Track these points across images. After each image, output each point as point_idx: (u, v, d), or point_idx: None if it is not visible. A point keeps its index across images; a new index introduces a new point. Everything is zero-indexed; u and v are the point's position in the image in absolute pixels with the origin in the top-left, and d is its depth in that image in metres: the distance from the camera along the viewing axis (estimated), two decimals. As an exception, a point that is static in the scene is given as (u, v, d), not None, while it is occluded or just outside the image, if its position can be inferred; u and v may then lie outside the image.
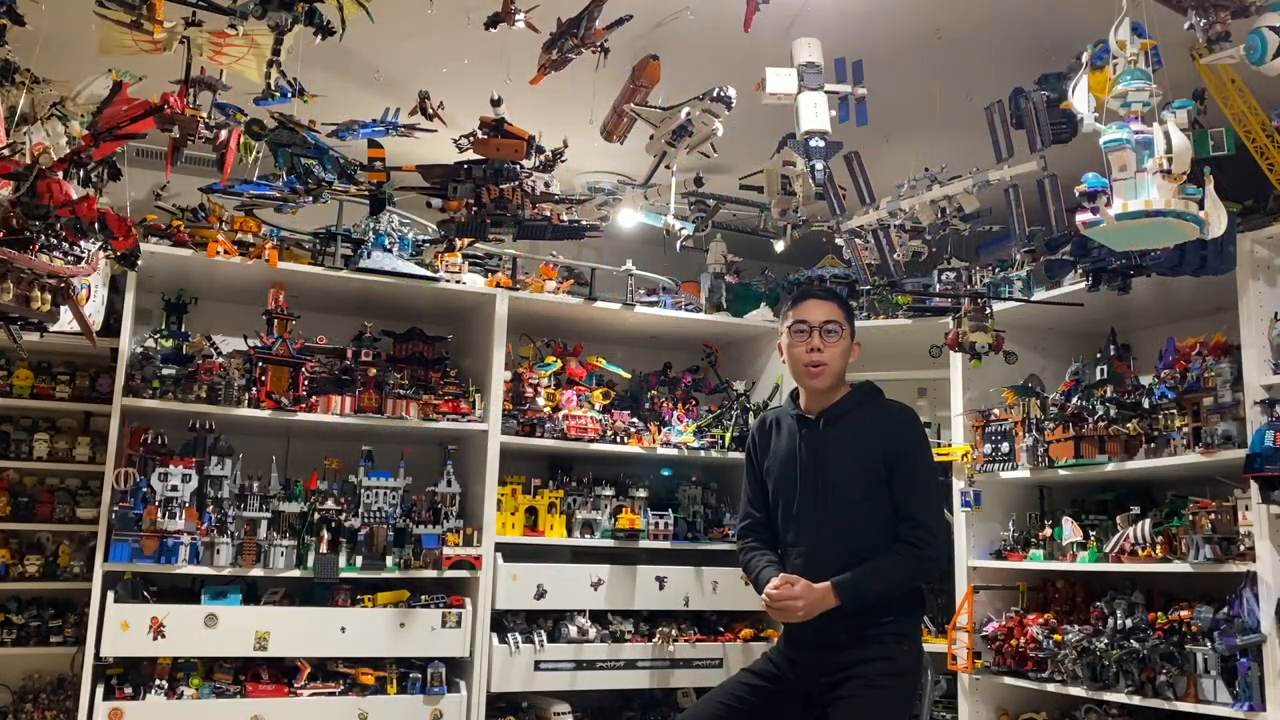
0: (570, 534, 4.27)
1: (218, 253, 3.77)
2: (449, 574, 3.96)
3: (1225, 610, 3.24)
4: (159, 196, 4.00)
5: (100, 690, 3.46)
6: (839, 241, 3.65)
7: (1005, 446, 4.05)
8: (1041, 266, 3.89)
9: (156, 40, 2.55)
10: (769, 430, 2.94)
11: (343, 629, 3.76)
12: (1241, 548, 3.21)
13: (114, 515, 3.55)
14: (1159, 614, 3.47)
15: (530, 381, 4.31)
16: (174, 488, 3.64)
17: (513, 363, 4.32)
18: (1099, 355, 4.01)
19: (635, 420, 4.47)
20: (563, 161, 3.16)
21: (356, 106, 3.36)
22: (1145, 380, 3.79)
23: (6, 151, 2.43)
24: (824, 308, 2.83)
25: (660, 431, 4.47)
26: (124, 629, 3.48)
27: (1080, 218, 2.32)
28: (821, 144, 2.92)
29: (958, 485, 4.20)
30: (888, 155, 3.63)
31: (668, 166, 3.31)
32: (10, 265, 2.30)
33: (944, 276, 3.74)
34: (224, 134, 2.84)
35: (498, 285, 4.24)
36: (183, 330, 3.97)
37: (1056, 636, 3.74)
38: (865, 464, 2.72)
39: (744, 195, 3.86)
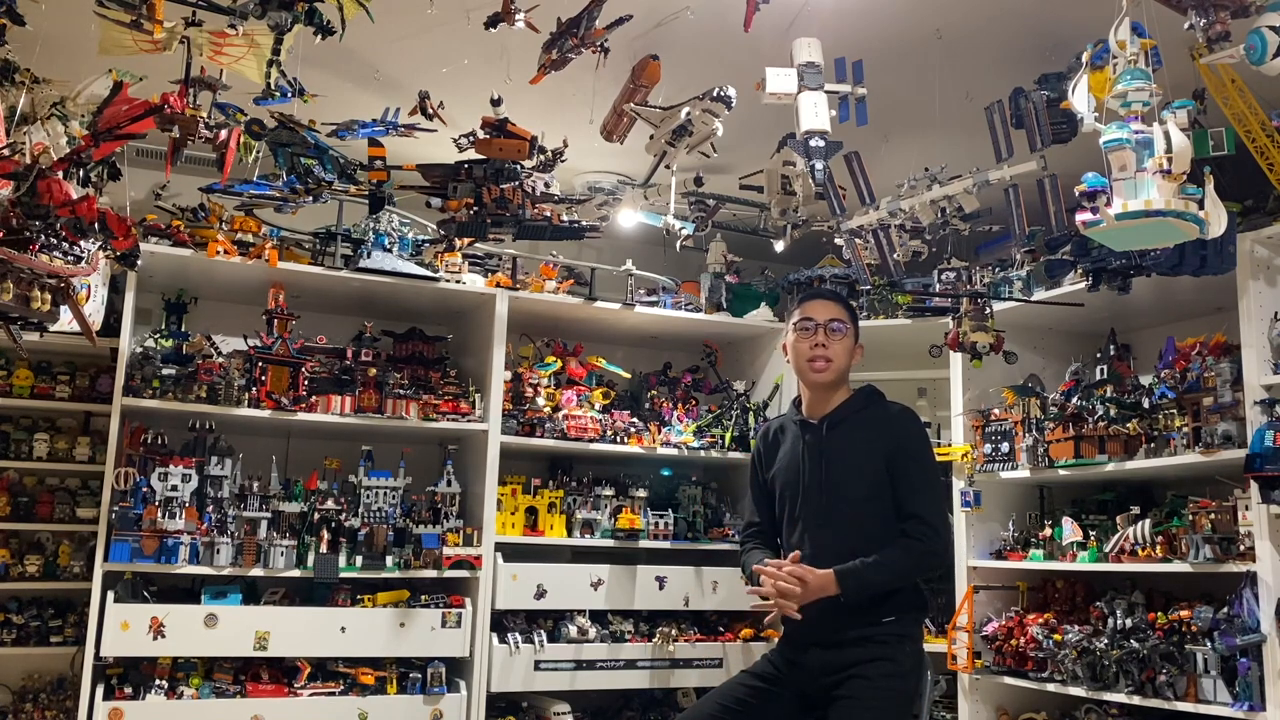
0: (570, 534, 4.27)
1: (218, 253, 3.77)
2: (449, 574, 3.96)
3: (1225, 610, 3.24)
4: (159, 196, 4.00)
5: (100, 690, 3.46)
6: (839, 241, 3.65)
7: (1005, 446, 4.05)
8: (1041, 266, 3.89)
9: (156, 40, 2.55)
10: (774, 439, 2.95)
11: (343, 629, 3.76)
12: (1241, 548, 3.21)
13: (114, 515, 3.55)
14: (1159, 614, 3.47)
15: (530, 381, 4.31)
16: (174, 488, 3.64)
17: (513, 363, 4.32)
18: (1099, 355, 4.01)
19: (635, 420, 4.47)
20: (563, 161, 3.16)
21: (356, 106, 3.37)
22: (1145, 380, 3.79)
23: (6, 151, 2.43)
24: (829, 307, 2.86)
25: (660, 431, 4.47)
26: (124, 629, 3.48)
27: (1080, 218, 2.32)
28: (821, 144, 2.92)
29: (958, 485, 4.20)
30: (888, 155, 3.63)
31: (668, 166, 3.31)
32: (10, 265, 2.30)
33: (944, 276, 3.74)
34: (224, 134, 2.84)
35: (498, 285, 4.24)
36: (183, 330, 3.98)
37: (1056, 636, 3.74)
38: (868, 466, 2.73)
39: (744, 195, 3.86)
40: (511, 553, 4.09)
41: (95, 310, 3.50)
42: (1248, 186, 3.18)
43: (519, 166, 3.07)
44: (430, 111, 3.01)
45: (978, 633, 4.07)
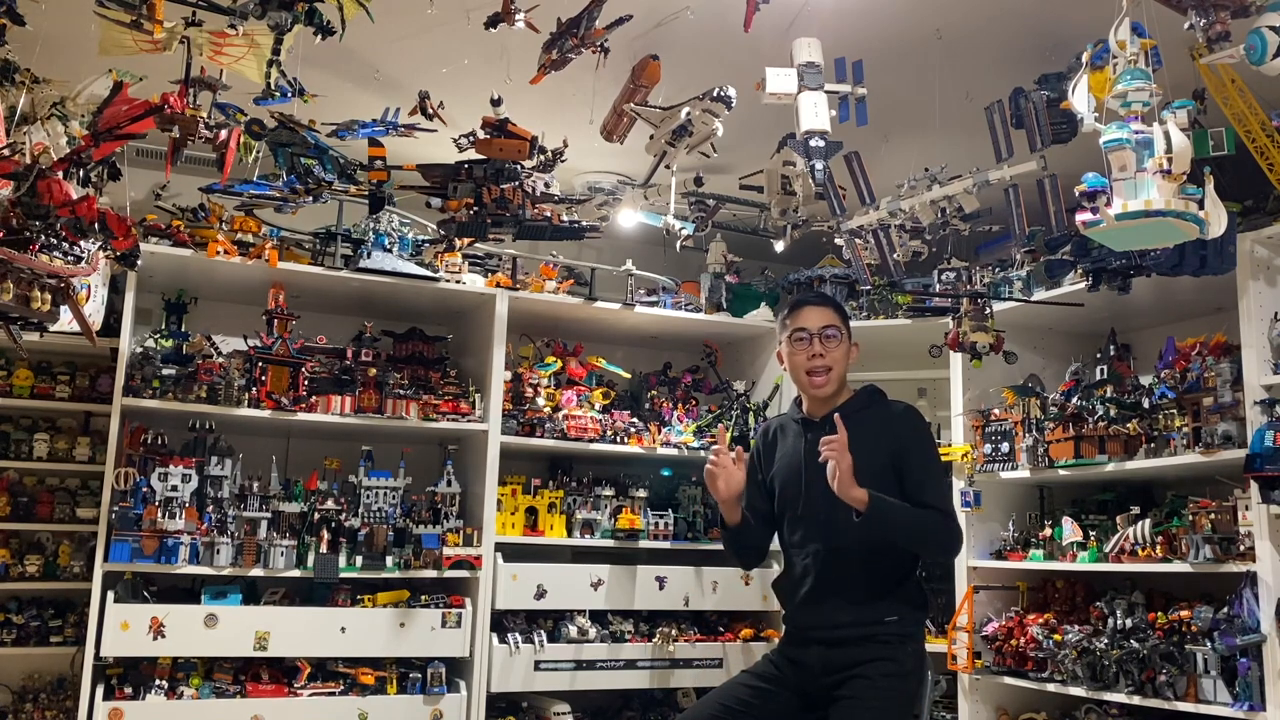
0: (570, 534, 4.27)
1: (218, 253, 3.78)
2: (449, 574, 3.96)
3: (1225, 610, 3.24)
4: (159, 196, 4.00)
5: (100, 690, 3.46)
6: (839, 241, 3.65)
7: (1005, 446, 4.05)
8: (1041, 266, 3.89)
9: (156, 40, 2.55)
10: (773, 438, 2.95)
11: (343, 629, 3.76)
12: (1241, 548, 3.21)
13: (114, 515, 3.55)
14: (1159, 614, 3.47)
15: (530, 381, 4.31)
16: (174, 488, 3.64)
17: (513, 363, 4.32)
18: (1099, 355, 4.01)
19: (635, 420, 4.47)
20: (563, 161, 3.16)
21: (356, 106, 3.37)
22: (1145, 380, 3.79)
23: (6, 151, 2.43)
24: (821, 313, 2.83)
25: (660, 431, 4.47)
26: (124, 629, 3.48)
27: (1080, 218, 2.32)
28: (821, 144, 2.92)
29: (958, 485, 4.19)
30: (888, 155, 3.63)
31: (668, 166, 3.31)
32: (10, 265, 2.31)
33: (944, 276, 3.74)
34: (224, 134, 2.84)
35: (498, 285, 4.24)
36: (183, 330, 3.97)
37: (1056, 636, 3.74)
38: (871, 464, 2.71)
39: (744, 195, 3.86)
40: (511, 553, 4.09)
41: (95, 310, 3.50)
42: (1248, 186, 3.18)
43: (519, 166, 3.07)
44: (430, 111, 3.01)
45: (978, 633, 4.07)
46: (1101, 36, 2.36)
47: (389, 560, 3.91)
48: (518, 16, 2.65)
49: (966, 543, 4.13)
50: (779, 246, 3.74)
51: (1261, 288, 3.26)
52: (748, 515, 2.86)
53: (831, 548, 2.71)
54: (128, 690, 3.52)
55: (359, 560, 3.88)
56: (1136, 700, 3.42)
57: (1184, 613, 3.35)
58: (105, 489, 3.60)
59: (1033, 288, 3.95)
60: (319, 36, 2.50)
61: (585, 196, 4.08)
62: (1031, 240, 3.79)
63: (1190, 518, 3.39)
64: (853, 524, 2.69)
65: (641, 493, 4.41)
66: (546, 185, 3.16)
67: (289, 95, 2.83)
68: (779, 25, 2.98)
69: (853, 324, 2.92)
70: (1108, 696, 3.52)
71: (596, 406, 4.43)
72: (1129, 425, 3.62)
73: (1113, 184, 2.25)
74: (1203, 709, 3.21)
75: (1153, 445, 3.57)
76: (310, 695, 3.69)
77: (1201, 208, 2.25)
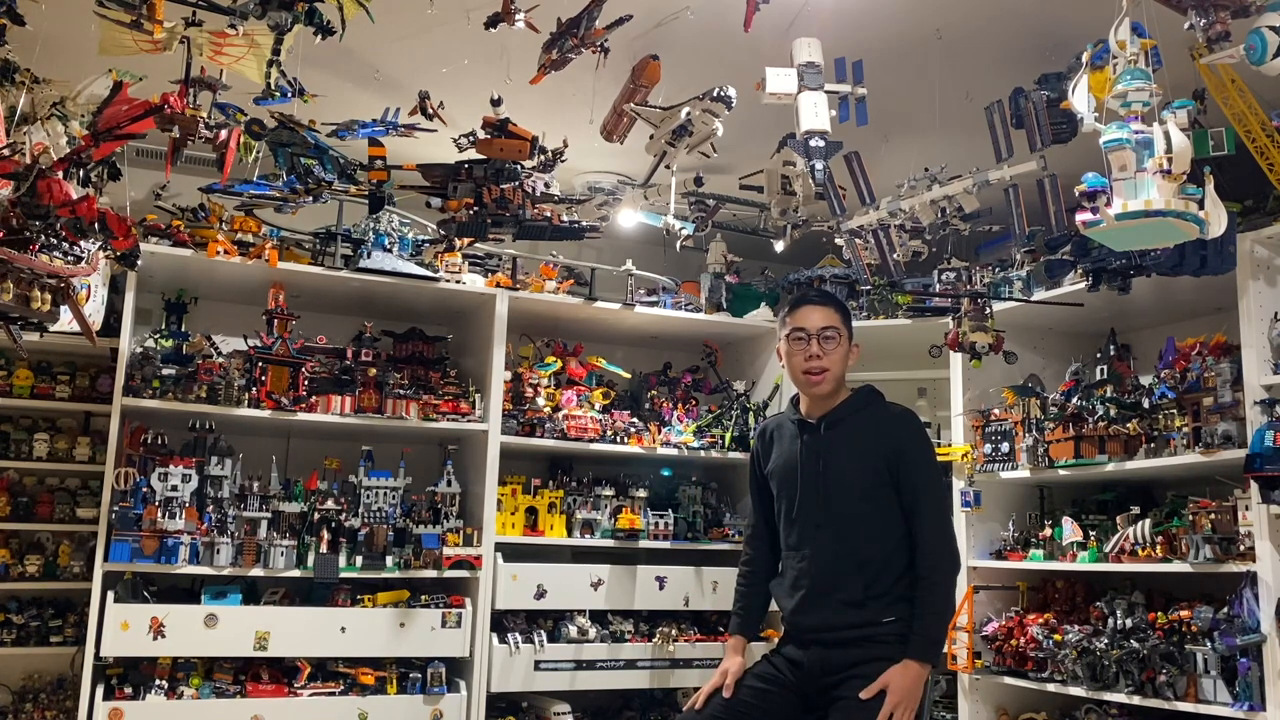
0: (570, 534, 4.27)
1: (218, 253, 3.78)
2: (449, 574, 3.96)
3: (1225, 610, 3.24)
4: (159, 196, 4.00)
5: (100, 690, 3.46)
6: (839, 241, 3.65)
7: (1005, 446, 4.05)
8: (1041, 266, 3.90)
9: (156, 40, 2.55)
10: (770, 438, 2.95)
11: (343, 629, 3.76)
12: (1241, 548, 3.21)
13: (114, 515, 3.55)
14: (1159, 614, 3.47)
15: (530, 381, 4.31)
16: (174, 488, 3.64)
17: (513, 363, 4.32)
18: (1099, 355, 4.02)
19: (635, 420, 4.47)
20: (563, 161, 3.16)
21: (356, 106, 3.37)
22: (1145, 380, 3.79)
23: (6, 151, 2.43)
24: (821, 313, 2.81)
25: (660, 431, 4.47)
26: (124, 629, 3.48)
27: (1080, 218, 2.32)
28: (821, 144, 2.92)
29: (958, 485, 4.20)
30: (888, 155, 3.63)
31: (668, 166, 3.31)
32: (10, 265, 2.31)
33: (944, 276, 3.74)
34: (224, 134, 2.84)
35: (498, 285, 4.24)
36: (183, 330, 3.98)
37: (1056, 636, 3.74)
38: (866, 466, 2.72)
39: (744, 195, 3.86)
40: (511, 553, 4.09)
41: (95, 310, 3.50)
42: (1248, 186, 3.18)
43: (519, 166, 3.07)
44: (430, 111, 3.01)
45: (978, 633, 4.07)
46: (1101, 36, 2.36)
47: (389, 560, 3.91)
48: (518, 16, 2.65)
49: (966, 543, 4.14)
50: (779, 246, 3.74)
51: (1261, 288, 3.26)
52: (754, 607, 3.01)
53: (826, 549, 2.71)
54: (128, 690, 3.52)
55: (359, 560, 3.87)
56: (1136, 700, 3.42)
57: (1184, 613, 3.35)
58: (105, 489, 3.60)
59: (1033, 288, 3.95)
60: (319, 36, 2.50)
61: (585, 196, 4.09)
62: (1031, 240, 3.80)
63: (1190, 518, 3.39)
64: (844, 528, 2.70)
65: (641, 493, 4.41)
66: (546, 185, 3.16)
67: (289, 95, 2.83)
68: (779, 25, 2.98)
69: (853, 324, 2.91)
70: (1108, 696, 3.52)
71: (596, 406, 4.43)
72: (1129, 425, 3.62)
73: (1113, 184, 2.25)
74: (1203, 709, 3.21)
75: (1153, 445, 3.57)
76: (310, 695, 3.69)
77: (1201, 208, 2.25)
